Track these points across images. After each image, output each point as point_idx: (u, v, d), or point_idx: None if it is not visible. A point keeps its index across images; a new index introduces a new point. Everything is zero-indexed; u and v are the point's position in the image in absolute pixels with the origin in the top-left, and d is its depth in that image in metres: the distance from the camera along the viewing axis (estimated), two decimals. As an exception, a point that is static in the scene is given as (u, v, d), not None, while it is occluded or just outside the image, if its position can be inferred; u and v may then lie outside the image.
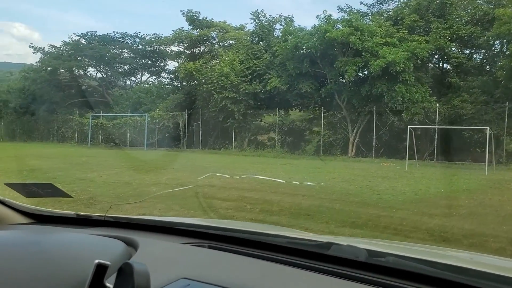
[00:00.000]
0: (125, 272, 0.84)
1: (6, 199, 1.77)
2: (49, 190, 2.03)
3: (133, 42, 40.14)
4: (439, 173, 16.59)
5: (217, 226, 1.88)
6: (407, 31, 23.78)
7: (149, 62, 41.67)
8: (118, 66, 42.45)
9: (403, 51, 21.97)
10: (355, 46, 23.01)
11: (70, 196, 2.74)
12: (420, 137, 23.83)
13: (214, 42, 34.92)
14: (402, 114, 23.09)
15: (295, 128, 29.86)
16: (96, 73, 42.50)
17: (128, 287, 0.80)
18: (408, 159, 19.20)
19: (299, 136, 29.47)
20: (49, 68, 37.65)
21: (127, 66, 42.14)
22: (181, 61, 35.08)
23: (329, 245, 1.36)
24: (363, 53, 23.05)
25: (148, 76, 43.22)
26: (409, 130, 19.81)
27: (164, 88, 36.91)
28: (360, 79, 25.39)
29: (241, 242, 1.55)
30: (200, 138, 30.25)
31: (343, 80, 25.20)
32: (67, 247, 1.32)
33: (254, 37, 29.87)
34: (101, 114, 35.87)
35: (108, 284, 0.86)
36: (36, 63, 39.37)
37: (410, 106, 22.61)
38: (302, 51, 25.21)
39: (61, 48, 38.38)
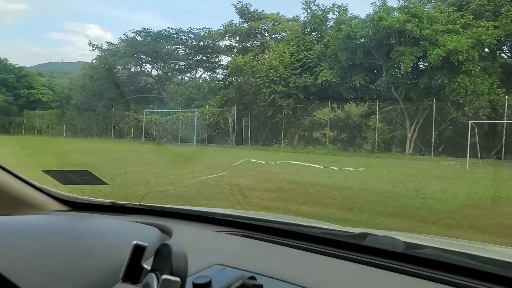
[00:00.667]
0: (162, 254, 0.82)
1: (44, 186, 1.77)
2: (86, 177, 2.05)
3: (187, 38, 40.06)
4: (505, 174, 14.55)
5: (251, 216, 1.81)
6: (472, 17, 21.51)
7: (204, 58, 41.48)
8: (174, 63, 42.71)
9: (467, 38, 19.82)
10: (412, 34, 21.14)
11: (106, 183, 2.64)
12: (485, 133, 21.56)
13: (265, 35, 33.93)
14: (465, 108, 20.94)
15: (349, 123, 28.25)
16: (152, 70, 42.98)
17: (165, 268, 0.78)
18: (471, 157, 17.24)
19: (353, 132, 27.87)
20: (105, 65, 38.43)
21: (183, 62, 42.23)
22: (233, 56, 34.43)
23: (365, 235, 1.35)
24: (421, 42, 21.13)
25: (203, 72, 43.08)
26: (471, 125, 17.74)
27: (216, 83, 36.48)
28: (418, 70, 23.39)
29: (275, 232, 1.52)
30: (249, 134, 29.44)
31: (400, 72, 23.32)
32: (103, 232, 1.33)
33: (306, 28, 28.48)
34: (154, 110, 36.10)
35: (145, 266, 0.85)
36: (93, 60, 40.40)
37: (474, 99, 20.39)
38: (355, 41, 23.60)
39: (118, 45, 39.08)
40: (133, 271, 0.85)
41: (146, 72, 43.35)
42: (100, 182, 2.18)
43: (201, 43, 39.25)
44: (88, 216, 1.77)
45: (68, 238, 1.18)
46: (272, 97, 26.51)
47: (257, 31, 33.47)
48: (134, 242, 0.85)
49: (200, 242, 1.43)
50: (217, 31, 35.69)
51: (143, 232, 1.40)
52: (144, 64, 41.81)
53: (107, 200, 1.92)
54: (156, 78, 43.80)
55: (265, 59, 27.80)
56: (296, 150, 25.33)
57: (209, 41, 38.42)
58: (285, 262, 1.28)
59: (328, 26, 27.81)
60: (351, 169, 14.77)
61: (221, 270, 1.11)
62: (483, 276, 1.08)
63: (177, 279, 0.75)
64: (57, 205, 1.82)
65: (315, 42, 27.08)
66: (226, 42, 36.27)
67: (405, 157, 21.40)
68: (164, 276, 0.75)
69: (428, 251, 1.22)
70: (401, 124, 24.45)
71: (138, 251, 0.85)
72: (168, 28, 40.01)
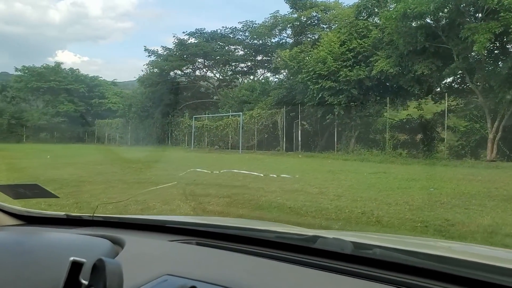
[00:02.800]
0: (98, 269, 0.84)
1: None
2: (36, 191, 1.97)
3: (243, 37, 37.31)
4: None
5: (205, 223, 1.83)
6: None
7: (265, 58, 38.45)
8: (235, 64, 40.30)
9: None
10: (487, 4, 16.17)
11: (56, 197, 2.28)
12: None
13: (322, 26, 29.86)
14: None
15: (413, 123, 23.29)
16: (206, 72, 40.83)
17: (100, 283, 0.80)
18: None
19: (418, 134, 22.89)
20: (161, 71, 36.96)
21: (241, 63, 39.62)
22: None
23: (315, 238, 1.36)
24: (501, 13, 16.07)
25: (264, 71, 39.97)
26: None
27: (268, 83, 33.18)
28: (499, 52, 18.15)
29: (229, 238, 1.54)
30: (299, 139, 25.70)
31: (475, 55, 18.27)
32: (52, 247, 1.29)
33: (361, 12, 24.03)
34: (202, 116, 33.80)
35: (83, 281, 0.84)
36: (144, 65, 39.01)
37: None
38: (413, 21, 18.98)
39: (173, 49, 37.38)
40: (71, 287, 0.84)
41: (202, 75, 41.32)
42: (50, 195, 2.05)
43: (259, 41, 36.13)
44: (39, 230, 1.75)
45: (15, 253, 1.14)
46: (320, 95, 22.59)
47: (311, 22, 29.56)
48: (71, 258, 0.84)
49: (151, 253, 1.41)
50: (262, 24, 32.37)
51: (93, 245, 1.35)
52: (200, 67, 39.82)
53: (61, 213, 1.89)
54: (211, 81, 41.63)
55: (311, 51, 23.90)
56: (349, 157, 21.17)
57: (266, 38, 35.22)
58: (238, 269, 1.28)
59: (386, 9, 23.20)
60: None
61: (164, 280, 1.09)
62: (429, 274, 1.11)
63: None
64: (9, 220, 1.78)
65: (371, 27, 22.62)
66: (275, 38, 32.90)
67: (480, 165, 16.38)
68: None
69: (377, 251, 1.24)
70: (479, 122, 19.24)
71: (76, 267, 0.84)
72: (223, 27, 37.33)
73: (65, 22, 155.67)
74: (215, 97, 39.35)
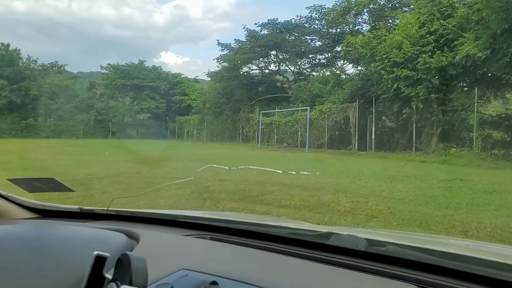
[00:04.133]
0: (123, 263, 0.83)
1: (10, 194, 1.75)
2: (52, 185, 1.96)
3: (319, 26, 34.60)
4: None
5: (219, 218, 1.77)
6: None
7: (345, 48, 35.39)
8: (312, 57, 37.84)
9: None
10: None
11: (72, 191, 2.28)
12: None
13: (399, 6, 26.30)
14: None
15: (510, 118, 19.30)
16: (280, 65, 38.62)
17: (126, 278, 0.79)
18: None
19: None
20: (226, 64, 35.54)
21: (318, 55, 37.02)
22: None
23: (329, 235, 1.36)
24: None
25: (344, 63, 36.87)
26: None
27: (342, 75, 30.30)
28: None
29: (242, 234, 1.53)
30: (373, 137, 22.70)
31: None
32: (68, 240, 1.29)
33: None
34: (269, 111, 31.81)
35: (107, 275, 0.84)
36: (214, 59, 37.66)
37: None
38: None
39: (245, 42, 35.78)
40: (95, 281, 0.83)
41: (276, 69, 39.23)
42: (66, 189, 2.05)
43: (337, 30, 33.18)
44: (55, 223, 1.76)
45: (34, 247, 1.14)
46: (395, 86, 19.51)
47: (392, 4, 26.17)
48: (95, 252, 0.84)
49: (166, 247, 1.41)
50: (332, 9, 29.39)
51: (109, 239, 1.35)
52: (274, 60, 37.78)
53: (75, 206, 1.90)
54: (285, 74, 39.38)
55: (385, 35, 20.81)
56: (427, 158, 17.99)
57: (344, 27, 32.22)
58: (251, 264, 1.29)
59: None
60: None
61: (184, 275, 1.10)
62: (442, 272, 1.11)
63: None
64: (25, 213, 1.80)
65: (457, 5, 19.02)
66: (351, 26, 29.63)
67: None
68: (124, 287, 0.76)
69: (390, 248, 1.24)
70: None
71: (99, 261, 0.84)
72: (297, 16, 34.87)
73: (168, 25, 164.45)
74: (290, 92, 37.22)
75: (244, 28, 34.85)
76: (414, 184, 10.77)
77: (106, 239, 1.35)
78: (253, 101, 35.89)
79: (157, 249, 1.33)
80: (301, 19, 34.55)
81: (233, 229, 1.57)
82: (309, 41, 36.08)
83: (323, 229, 1.49)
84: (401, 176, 12.39)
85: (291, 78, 38.87)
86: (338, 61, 37.46)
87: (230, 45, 36.44)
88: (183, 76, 55.66)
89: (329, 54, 37.22)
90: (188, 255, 1.34)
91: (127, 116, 50.78)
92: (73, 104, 49.85)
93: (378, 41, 20.71)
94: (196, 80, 56.78)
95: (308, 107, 26.39)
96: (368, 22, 28.70)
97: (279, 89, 38.31)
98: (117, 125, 51.34)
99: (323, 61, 37.81)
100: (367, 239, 1.28)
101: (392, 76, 19.45)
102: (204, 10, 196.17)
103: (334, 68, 36.24)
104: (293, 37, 35.60)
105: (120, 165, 14.63)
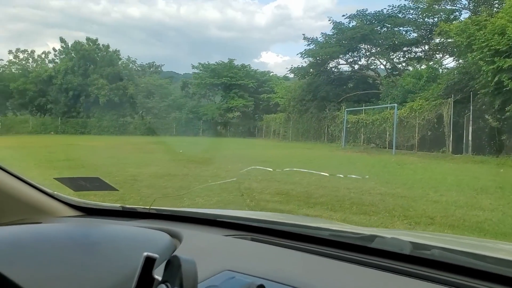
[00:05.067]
0: (173, 265, 0.84)
1: (55, 192, 1.81)
2: (96, 184, 2.02)
3: (415, 16, 31.45)
4: None
5: (260, 218, 1.79)
6: None
7: (444, 39, 31.84)
8: (407, 50, 34.78)
9: None
10: None
11: (116, 190, 2.27)
12: None
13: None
14: None
15: None
16: (370, 59, 35.86)
17: (175, 280, 0.80)
18: None
19: None
20: (310, 59, 33.65)
21: (414, 47, 33.84)
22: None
23: (372, 237, 1.34)
24: None
25: (444, 55, 33.23)
26: None
27: (438, 68, 27.04)
28: None
29: (283, 235, 1.52)
30: (470, 138, 19.62)
31: None
32: (114, 239, 1.30)
33: None
34: (355, 109, 29.45)
35: (156, 276, 0.84)
36: (299, 54, 35.76)
37: None
38: None
39: (332, 35, 33.70)
40: (144, 282, 0.83)
41: (366, 64, 36.56)
42: (110, 188, 2.09)
43: (433, 19, 29.81)
44: (100, 221, 1.79)
45: (83, 244, 1.17)
46: (496, 79, 16.54)
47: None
48: (145, 254, 0.83)
49: (209, 247, 1.42)
50: None
51: (153, 238, 1.36)
52: (365, 54, 35.20)
53: (117, 205, 1.92)
54: (381, 70, 36.52)
55: (485, 20, 17.75)
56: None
57: (442, 15, 28.79)
58: (294, 266, 1.28)
59: None
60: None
61: (230, 277, 1.10)
62: (489, 277, 1.07)
63: None
64: (69, 211, 1.85)
65: None
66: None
67: None
68: None
69: (436, 252, 1.22)
70: None
71: (148, 262, 0.83)
72: (389, 6, 31.94)
73: (269, 25, 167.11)
74: (381, 89, 34.50)
75: (329, 20, 32.79)
76: (508, 199, 8.49)
77: (150, 238, 1.36)
78: (341, 98, 33.67)
79: (199, 249, 1.33)
80: (394, 9, 31.65)
81: (274, 230, 1.55)
82: (403, 32, 33.02)
83: (366, 231, 1.50)
84: (494, 187, 10.03)
85: (383, 73, 36.00)
86: (437, 53, 33.95)
87: (316, 39, 34.53)
88: (272, 74, 54.74)
89: (426, 47, 33.85)
90: (231, 256, 1.34)
91: (216, 114, 51.18)
92: (167, 103, 51.40)
93: (477, 27, 17.74)
94: (286, 78, 55.58)
95: (395, 104, 23.84)
96: (468, 7, 25.21)
97: (370, 85, 35.64)
98: (207, 123, 52.01)
99: (420, 54, 34.46)
100: (411, 243, 1.26)
101: (493, 67, 16.50)
102: (306, 9, 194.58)
103: (431, 62, 32.80)
104: (385, 29, 32.83)
105: (176, 165, 13.85)
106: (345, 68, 36.13)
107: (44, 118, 51.19)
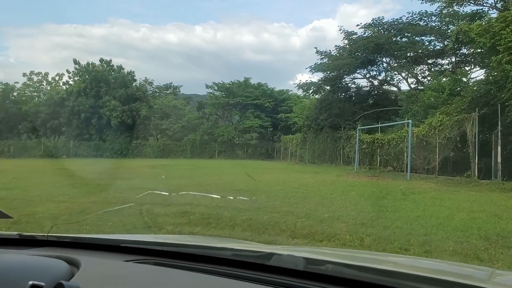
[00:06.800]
0: None
1: None
2: None
3: (438, 23, 28.12)
4: None
5: (162, 241, 1.78)
6: None
7: (473, 49, 28.32)
8: (433, 62, 31.38)
9: None
10: None
11: (10, 217, 2.15)
12: None
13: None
14: None
15: None
16: (390, 73, 32.52)
17: None
18: None
19: None
20: (320, 73, 30.73)
21: (439, 59, 30.42)
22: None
23: (270, 255, 1.36)
24: None
25: (473, 67, 29.61)
26: None
27: (465, 79, 23.53)
28: None
29: (186, 257, 1.51)
30: (499, 160, 16.04)
31: None
32: (6, 269, 1.26)
33: None
34: (367, 127, 26.15)
35: None
36: (306, 68, 32.79)
37: None
38: None
39: (345, 48, 30.66)
40: None
41: (385, 78, 33.21)
42: (3, 216, 1.94)
43: (450, 26, 26.42)
44: None
45: None
46: (528, 87, 13.19)
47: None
48: (30, 282, 0.83)
49: (108, 273, 1.38)
50: None
51: (49, 267, 1.32)
52: (384, 67, 31.97)
53: (14, 233, 1.83)
54: (403, 85, 33.20)
55: (507, 15, 14.44)
56: None
57: (467, 20, 25.32)
58: None
59: None
60: None
61: None
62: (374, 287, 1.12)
63: None
64: None
65: None
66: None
67: None
68: None
69: (329, 267, 1.24)
70: None
71: None
72: (408, 13, 28.75)
73: (304, 47, 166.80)
74: (394, 103, 31.13)
75: (340, 29, 29.85)
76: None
77: (45, 267, 1.30)
78: (358, 116, 30.46)
79: (97, 276, 1.29)
80: (414, 15, 28.38)
81: (177, 252, 1.53)
82: (426, 42, 29.67)
83: (267, 249, 1.54)
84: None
85: (405, 88, 32.63)
86: (466, 65, 30.36)
87: (329, 52, 31.57)
88: (290, 92, 51.94)
89: (454, 58, 30.33)
90: (130, 282, 1.31)
91: (232, 135, 48.71)
92: (180, 124, 49.38)
93: (503, 25, 14.48)
94: (306, 96, 52.75)
95: (410, 121, 20.53)
96: (494, 5, 21.77)
97: (391, 102, 32.23)
98: (224, 144, 49.59)
99: (447, 66, 30.94)
100: (305, 258, 1.27)
101: (523, 71, 13.18)
102: (340, 31, 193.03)
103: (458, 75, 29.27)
104: (405, 39, 29.59)
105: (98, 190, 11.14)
106: (364, 83, 32.94)
107: (58, 141, 50.15)
